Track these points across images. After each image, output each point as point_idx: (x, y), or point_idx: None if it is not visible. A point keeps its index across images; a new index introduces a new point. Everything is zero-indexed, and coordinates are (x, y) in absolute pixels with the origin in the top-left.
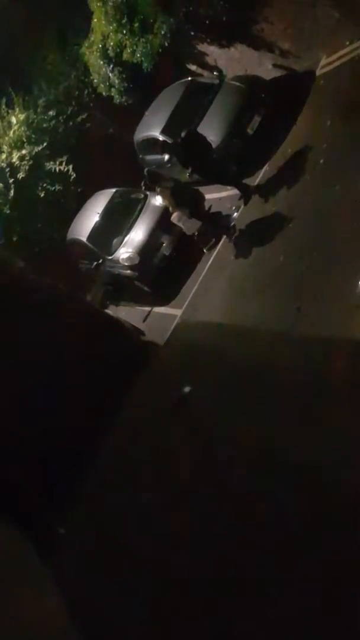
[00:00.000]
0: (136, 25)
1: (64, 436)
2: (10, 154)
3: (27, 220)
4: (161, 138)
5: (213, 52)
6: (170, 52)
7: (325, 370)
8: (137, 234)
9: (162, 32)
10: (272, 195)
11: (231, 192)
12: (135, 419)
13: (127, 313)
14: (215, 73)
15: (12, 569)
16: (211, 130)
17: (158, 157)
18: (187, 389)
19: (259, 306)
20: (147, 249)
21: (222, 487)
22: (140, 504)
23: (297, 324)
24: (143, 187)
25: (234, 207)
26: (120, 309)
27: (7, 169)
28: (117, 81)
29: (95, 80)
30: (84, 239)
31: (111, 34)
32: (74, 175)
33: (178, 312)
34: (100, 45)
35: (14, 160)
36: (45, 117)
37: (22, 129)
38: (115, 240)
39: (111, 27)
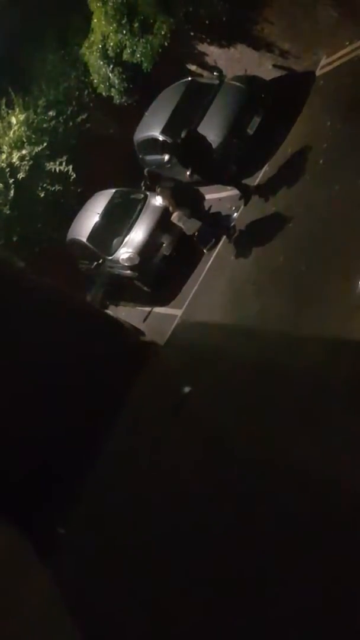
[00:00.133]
0: (136, 25)
1: (63, 436)
2: (10, 154)
3: (27, 221)
4: (161, 138)
5: (213, 52)
6: (170, 53)
7: (326, 370)
8: (137, 234)
9: (162, 33)
10: (272, 195)
11: (231, 192)
12: (135, 419)
13: (127, 313)
14: (215, 73)
15: (11, 568)
16: (211, 130)
17: (158, 157)
18: (187, 389)
19: (259, 306)
20: (147, 249)
21: (222, 487)
22: (140, 504)
23: (297, 324)
24: (143, 188)
25: (233, 208)
26: (120, 309)
27: (7, 169)
28: (117, 81)
29: (95, 81)
30: (84, 239)
31: (111, 34)
32: (74, 175)
33: (178, 312)
34: (100, 46)
35: (14, 160)
36: (45, 118)
37: (22, 129)
38: (115, 241)
39: (111, 28)
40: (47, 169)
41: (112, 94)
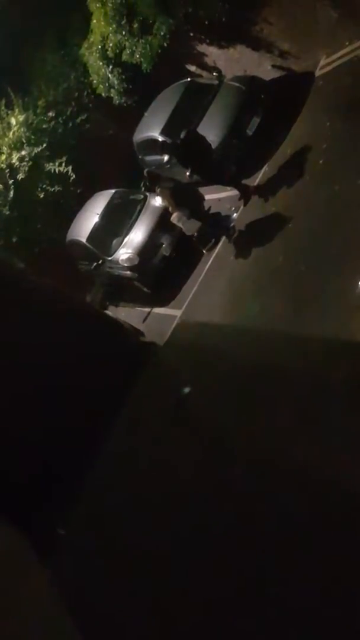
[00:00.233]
0: (135, 26)
1: (63, 436)
2: (9, 155)
3: (27, 221)
4: (161, 139)
5: (212, 53)
6: (170, 53)
7: (325, 370)
8: (137, 235)
9: (162, 33)
10: (271, 195)
11: (231, 192)
12: (135, 420)
13: (126, 314)
14: (214, 74)
15: (11, 568)
16: (210, 130)
17: (158, 157)
18: (187, 390)
19: (258, 306)
20: (146, 250)
21: (222, 487)
22: (140, 504)
23: (297, 324)
24: (142, 188)
25: (233, 208)
26: (120, 309)
27: (7, 170)
28: (116, 82)
29: (94, 81)
30: (83, 239)
31: (110, 34)
32: (74, 176)
33: (178, 313)
34: (99, 46)
35: (13, 161)
36: (45, 118)
37: (22, 130)
38: (114, 241)
39: (110, 28)
40: (47, 170)
41: (112, 95)
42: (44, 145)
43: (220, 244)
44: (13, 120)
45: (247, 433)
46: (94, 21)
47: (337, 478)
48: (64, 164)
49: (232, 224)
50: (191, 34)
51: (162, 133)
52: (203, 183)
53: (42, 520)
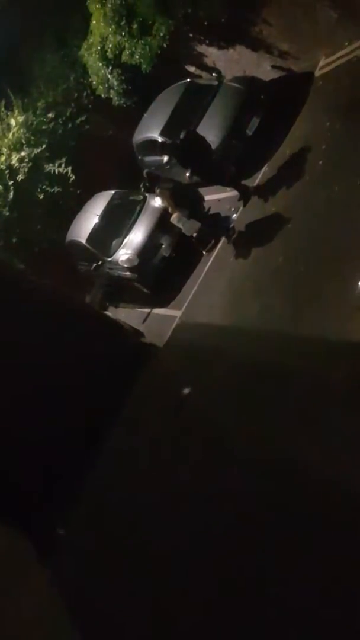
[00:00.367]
0: (135, 27)
1: (63, 437)
2: (9, 156)
3: (27, 222)
4: (160, 139)
5: (212, 54)
6: (169, 54)
7: (325, 370)
8: (136, 236)
9: (161, 34)
10: (271, 196)
11: (230, 193)
12: (135, 420)
13: (126, 315)
14: (214, 74)
15: (11, 568)
16: (210, 131)
17: (157, 158)
18: (186, 391)
19: (258, 307)
20: (146, 251)
21: (222, 487)
22: (140, 504)
23: (297, 324)
24: (142, 189)
25: (233, 208)
26: (120, 310)
27: (7, 171)
28: (116, 83)
29: (94, 82)
30: (83, 240)
31: (110, 35)
32: (73, 177)
33: (177, 314)
34: (99, 47)
35: (13, 162)
36: (44, 119)
37: (21, 131)
38: (114, 242)
39: (110, 29)
40: (46, 171)
41: (111, 96)
42: (44, 146)
43: (219, 244)
44: (13, 122)
45: (247, 433)
46: (94, 22)
47: (337, 478)
48: (63, 165)
49: (231, 225)
50: (191, 35)
51: (162, 134)
52: (203, 184)
53: (42, 520)
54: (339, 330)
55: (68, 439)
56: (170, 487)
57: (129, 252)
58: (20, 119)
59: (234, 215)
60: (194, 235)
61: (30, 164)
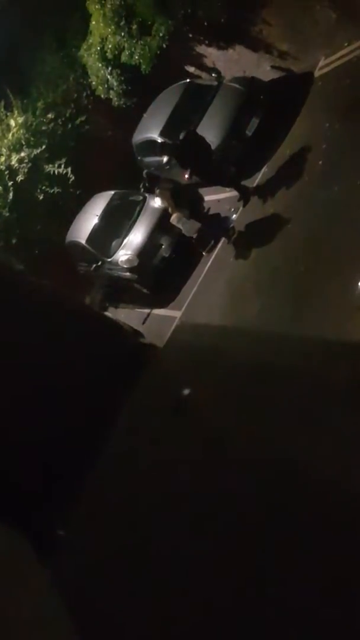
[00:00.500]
0: (134, 27)
1: (63, 437)
2: (9, 156)
3: (26, 223)
4: (160, 140)
5: (211, 54)
6: (169, 54)
7: (325, 371)
8: (136, 236)
9: (160, 34)
10: (270, 196)
11: (230, 193)
12: (135, 421)
13: (126, 315)
14: (213, 75)
15: (10, 569)
16: (210, 131)
17: (157, 158)
18: (186, 391)
19: (258, 307)
20: (146, 251)
21: (222, 487)
22: (140, 505)
23: (297, 325)
24: (142, 189)
25: (232, 209)
26: (120, 311)
27: (6, 172)
28: (115, 83)
29: (93, 83)
30: (82, 241)
31: (109, 36)
32: (73, 177)
33: (177, 314)
34: (98, 48)
35: (13, 163)
36: (44, 120)
37: (21, 131)
38: (114, 243)
39: (109, 30)
40: (46, 172)
41: (111, 96)
42: (43, 146)
43: (219, 245)
44: (12, 122)
45: (247, 433)
46: (93, 22)
47: (337, 478)
48: (63, 166)
49: (231, 225)
50: (190, 35)
51: (162, 134)
52: (202, 184)
53: (41, 521)
54: (339, 331)
55: (68, 439)
56: (170, 487)
57: (129, 252)
58: (20, 119)
59: (234, 215)
60: (194, 235)
61: (29, 165)
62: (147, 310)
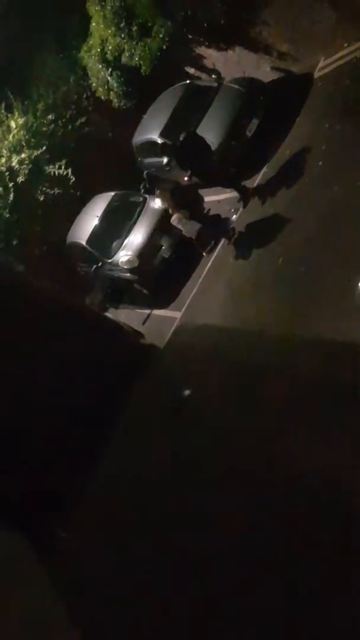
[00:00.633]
0: (134, 28)
1: (63, 439)
2: (9, 158)
3: (27, 224)
4: (160, 141)
5: (211, 55)
6: (169, 56)
7: (326, 372)
8: (136, 237)
9: (161, 36)
10: (271, 197)
11: (230, 194)
12: (135, 422)
13: (126, 316)
14: (213, 76)
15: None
16: (210, 132)
17: (157, 159)
18: (187, 392)
19: (258, 308)
20: (146, 252)
21: (223, 489)
22: (140, 506)
23: (297, 326)
24: (142, 190)
25: (233, 210)
26: (120, 312)
27: (7, 173)
28: (115, 85)
29: (93, 84)
30: (83, 242)
31: (109, 37)
32: (73, 178)
33: (177, 315)
34: (98, 49)
35: (13, 164)
36: (44, 121)
37: (22, 133)
38: (114, 244)
39: (109, 31)
40: (47, 173)
41: (111, 97)
42: (44, 148)
43: (219, 245)
44: (13, 124)
45: (248, 435)
46: (93, 24)
47: (336, 479)
48: (63, 167)
49: (231, 226)
50: (190, 37)
51: (162, 135)
52: (202, 185)
53: (42, 522)
54: (339, 332)
55: (68, 439)
56: (171, 489)
57: (129, 253)
58: (20, 121)
59: (234, 216)
60: (194, 236)
61: (30, 166)
62: (147, 311)
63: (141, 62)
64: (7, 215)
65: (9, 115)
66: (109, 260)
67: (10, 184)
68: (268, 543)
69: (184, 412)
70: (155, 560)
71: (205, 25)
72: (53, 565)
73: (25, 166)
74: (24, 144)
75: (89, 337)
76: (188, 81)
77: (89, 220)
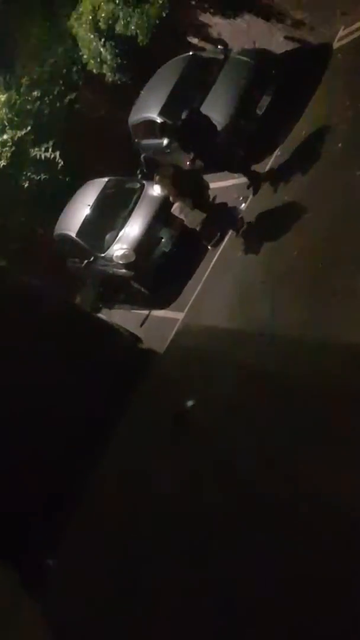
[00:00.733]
0: None
1: (57, 452)
2: None
3: (9, 213)
4: (159, 120)
5: (217, 24)
6: (169, 24)
7: (341, 380)
8: (133, 229)
9: (160, 2)
10: (284, 183)
11: (238, 180)
12: (133, 434)
13: (121, 317)
14: (219, 47)
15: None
16: (215, 110)
17: (156, 141)
18: (190, 403)
19: (269, 309)
20: (144, 245)
21: (224, 504)
22: (135, 532)
23: (313, 328)
24: (139, 176)
25: (241, 197)
26: (115, 312)
27: None
28: (109, 57)
29: (84, 56)
30: (73, 234)
31: (102, 3)
32: (62, 162)
33: (179, 316)
34: (90, 17)
35: None
36: (29, 98)
37: (4, 111)
38: (108, 236)
39: None
40: (32, 156)
41: (104, 71)
42: (28, 128)
43: (226, 238)
44: None
45: (256, 450)
46: None
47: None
48: (50, 149)
49: (240, 216)
50: (193, 3)
51: (161, 114)
52: (207, 169)
53: (31, 551)
54: (358, 335)
55: (62, 454)
56: (171, 501)
57: (125, 247)
58: (2, 97)
59: (243, 205)
60: (198, 227)
61: (13, 148)
62: (145, 312)
63: (138, 32)
64: None
65: None
66: (102, 255)
67: None
68: (268, 543)
69: (186, 425)
70: (154, 572)
71: None
72: (42, 594)
73: (7, 149)
74: (6, 123)
75: (78, 341)
76: (191, 53)
77: (80, 210)
